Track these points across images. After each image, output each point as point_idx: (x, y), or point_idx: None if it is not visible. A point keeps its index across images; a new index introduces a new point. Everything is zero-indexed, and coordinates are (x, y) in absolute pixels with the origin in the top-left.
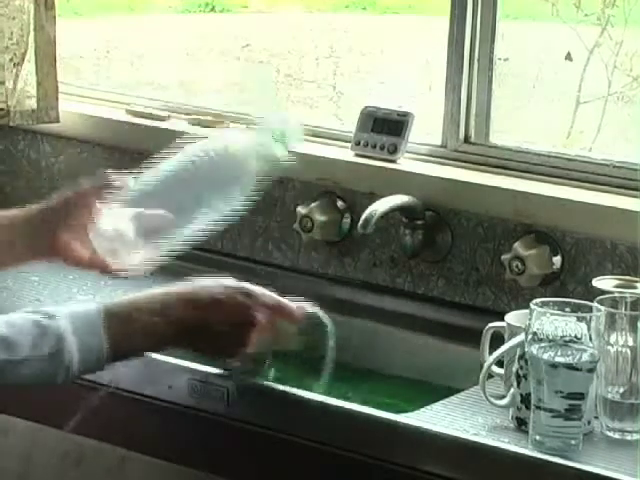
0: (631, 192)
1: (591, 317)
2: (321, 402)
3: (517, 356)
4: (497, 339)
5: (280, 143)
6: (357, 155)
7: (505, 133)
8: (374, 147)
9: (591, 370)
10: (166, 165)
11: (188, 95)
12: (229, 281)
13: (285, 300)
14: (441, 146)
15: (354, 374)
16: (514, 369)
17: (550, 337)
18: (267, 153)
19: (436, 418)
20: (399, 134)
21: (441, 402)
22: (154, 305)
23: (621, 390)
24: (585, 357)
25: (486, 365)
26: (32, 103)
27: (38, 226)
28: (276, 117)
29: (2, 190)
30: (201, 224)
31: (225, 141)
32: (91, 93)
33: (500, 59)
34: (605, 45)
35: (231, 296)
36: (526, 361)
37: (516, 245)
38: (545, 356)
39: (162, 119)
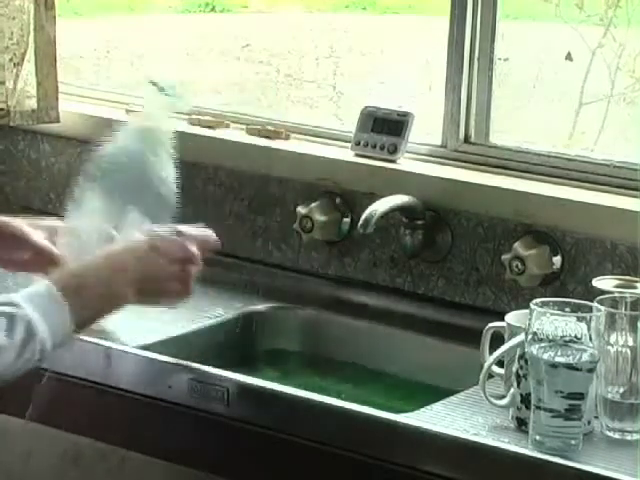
0: (631, 192)
1: (591, 317)
2: (321, 402)
3: (517, 356)
4: (497, 339)
5: (172, 98)
6: (357, 155)
7: (505, 133)
8: (374, 147)
9: (591, 370)
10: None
11: (188, 95)
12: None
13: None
14: (441, 146)
15: (354, 374)
16: (514, 369)
17: (550, 337)
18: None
19: (436, 418)
20: (399, 134)
21: (441, 402)
22: (96, 270)
23: (621, 390)
24: (585, 357)
25: (486, 365)
26: (32, 103)
27: None
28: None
29: (2, 190)
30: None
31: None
32: (91, 93)
33: (500, 59)
34: (608, 46)
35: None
36: (526, 361)
37: (516, 245)
38: (545, 356)
39: None
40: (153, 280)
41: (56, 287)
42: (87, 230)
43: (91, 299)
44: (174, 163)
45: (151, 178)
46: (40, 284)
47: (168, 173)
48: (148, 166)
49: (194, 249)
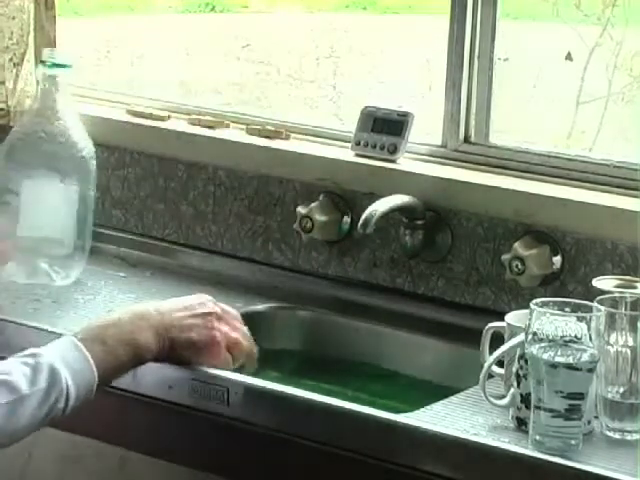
0: (631, 192)
1: (591, 317)
2: (321, 402)
3: (517, 356)
4: (497, 339)
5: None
6: (357, 155)
7: (505, 133)
8: (374, 147)
9: (591, 370)
10: None
11: (188, 95)
12: (188, 299)
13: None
14: (441, 146)
15: (354, 374)
16: (514, 369)
17: (550, 337)
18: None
19: (436, 418)
20: (399, 134)
21: (441, 402)
22: (119, 320)
23: (621, 390)
24: (585, 357)
25: (486, 365)
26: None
27: None
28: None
29: None
30: None
31: None
32: (91, 93)
33: (500, 59)
34: (605, 45)
35: (192, 318)
36: (526, 361)
37: (516, 245)
38: (545, 356)
39: (162, 119)
40: (177, 328)
41: (78, 338)
42: None
43: (114, 348)
44: None
45: None
46: (63, 337)
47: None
48: None
49: (217, 309)
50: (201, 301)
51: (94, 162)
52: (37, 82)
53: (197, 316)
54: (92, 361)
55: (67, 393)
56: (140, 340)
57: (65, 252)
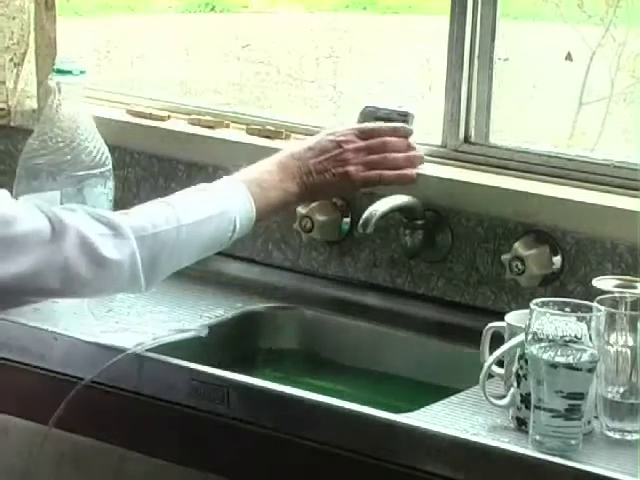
0: (631, 192)
1: (591, 317)
2: (321, 402)
3: (517, 356)
4: (497, 339)
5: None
6: None
7: (505, 133)
8: None
9: (591, 370)
10: None
11: (188, 95)
12: (322, 141)
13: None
14: (441, 146)
15: (354, 374)
16: (514, 369)
17: (550, 337)
18: None
19: (436, 418)
20: None
21: (441, 402)
22: (273, 175)
23: (621, 390)
24: (585, 357)
25: (486, 365)
26: (32, 103)
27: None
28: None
29: None
30: None
31: None
32: (91, 93)
33: (500, 59)
34: (608, 46)
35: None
36: (526, 361)
37: (516, 245)
38: (545, 356)
39: (162, 119)
40: (314, 173)
41: (241, 179)
42: None
43: (268, 192)
44: None
45: None
46: (231, 179)
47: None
48: None
49: (350, 143)
50: (331, 138)
51: (110, 169)
52: (52, 91)
53: (330, 158)
54: (252, 200)
55: (234, 223)
56: (286, 187)
57: None
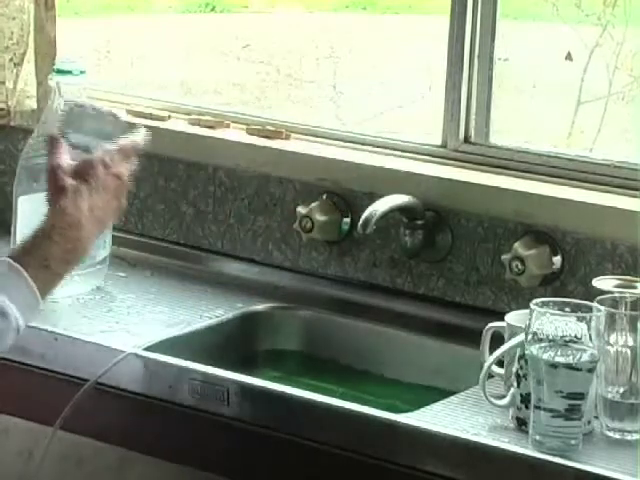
0: (631, 192)
1: (591, 317)
2: (321, 402)
3: (517, 356)
4: (497, 339)
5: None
6: None
7: (505, 133)
8: None
9: (591, 370)
10: None
11: (188, 95)
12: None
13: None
14: (441, 146)
15: (354, 374)
16: (514, 369)
17: (550, 337)
18: None
19: (436, 418)
20: None
21: (441, 402)
22: (60, 246)
23: (621, 390)
24: (585, 357)
25: (486, 365)
26: (32, 103)
27: None
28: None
29: (2, 190)
30: None
31: None
32: (91, 93)
33: (500, 59)
34: (606, 45)
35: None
36: (526, 361)
37: (516, 245)
38: (545, 356)
39: (162, 119)
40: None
41: (19, 264)
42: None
43: (56, 269)
44: None
45: None
46: (7, 269)
47: None
48: None
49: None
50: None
51: None
52: (52, 91)
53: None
54: (38, 292)
55: (17, 328)
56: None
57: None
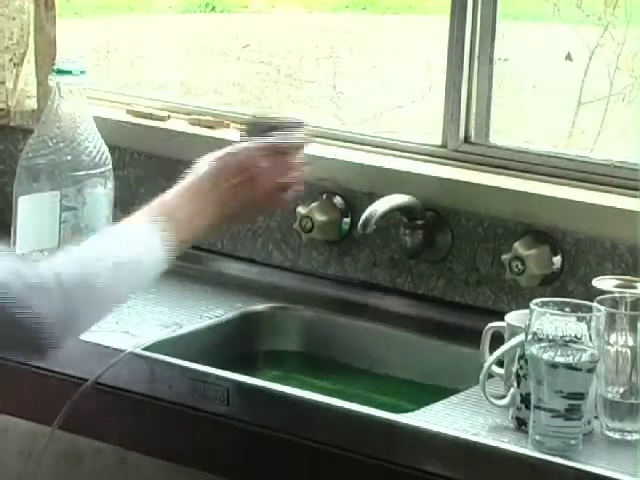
0: (631, 192)
1: (591, 317)
2: (321, 402)
3: (517, 356)
4: (497, 339)
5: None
6: None
7: (505, 133)
8: None
9: (591, 370)
10: None
11: (188, 95)
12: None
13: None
14: (441, 146)
15: (354, 374)
16: (514, 369)
17: (550, 337)
18: None
19: (436, 418)
20: None
21: (441, 402)
22: (186, 211)
23: (621, 390)
24: (585, 357)
25: (486, 365)
26: (32, 103)
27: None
28: None
29: (2, 190)
30: None
31: None
32: (91, 93)
33: (500, 59)
34: (607, 45)
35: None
36: (526, 361)
37: (516, 245)
38: (545, 356)
39: (162, 119)
40: (225, 201)
41: (151, 220)
42: None
43: (181, 229)
44: None
45: None
46: (142, 220)
47: None
48: None
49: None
50: (239, 161)
51: (110, 169)
52: (52, 91)
53: (239, 184)
54: (164, 245)
55: (147, 272)
56: (201, 222)
57: None
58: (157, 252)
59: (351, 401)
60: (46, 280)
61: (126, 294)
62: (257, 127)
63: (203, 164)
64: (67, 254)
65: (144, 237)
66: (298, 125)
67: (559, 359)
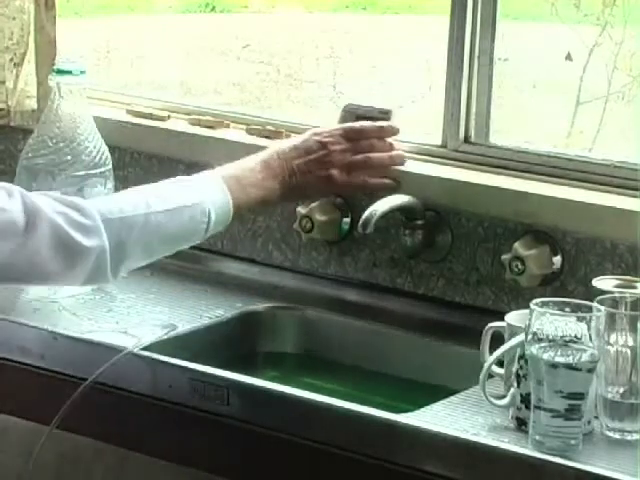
0: (631, 192)
1: (591, 317)
2: (321, 402)
3: (517, 356)
4: (497, 339)
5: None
6: None
7: (505, 133)
8: None
9: (591, 370)
10: None
11: (188, 95)
12: (307, 141)
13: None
14: (441, 146)
15: (354, 374)
16: (514, 369)
17: (550, 337)
18: None
19: (436, 418)
20: None
21: (441, 402)
22: (255, 173)
23: (621, 390)
24: (585, 357)
25: (486, 365)
26: (32, 103)
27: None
28: None
29: None
30: None
31: None
32: (91, 93)
33: (500, 59)
34: (605, 45)
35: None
36: (526, 361)
37: (516, 245)
38: (545, 356)
39: (162, 119)
40: (297, 174)
41: (221, 175)
42: None
43: (247, 189)
44: None
45: None
46: (211, 174)
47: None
48: None
49: (335, 144)
50: (317, 139)
51: (110, 169)
52: (52, 91)
53: (314, 159)
54: (229, 195)
55: (209, 216)
56: (267, 186)
57: None
58: (217, 200)
59: (351, 401)
60: (94, 219)
61: (179, 236)
62: (349, 115)
63: (280, 142)
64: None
65: (207, 186)
66: (386, 114)
67: (559, 359)
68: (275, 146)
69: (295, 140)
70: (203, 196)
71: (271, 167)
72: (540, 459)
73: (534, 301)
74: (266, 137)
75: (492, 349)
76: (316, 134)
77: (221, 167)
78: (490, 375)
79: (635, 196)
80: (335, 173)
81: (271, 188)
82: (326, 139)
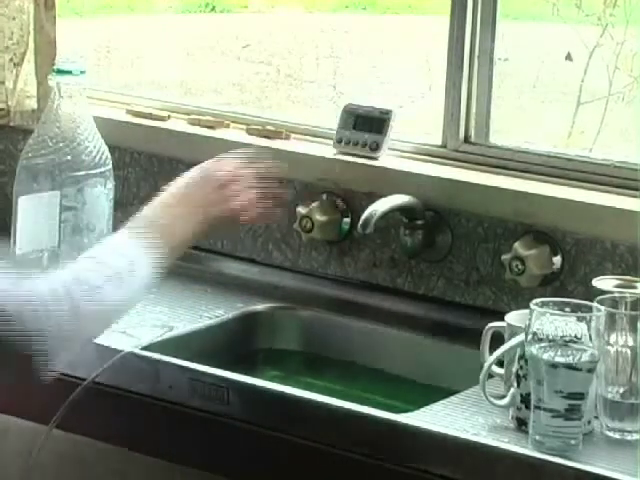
0: (631, 192)
1: (591, 317)
2: (321, 402)
3: (517, 356)
4: (497, 339)
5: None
6: (340, 153)
7: (505, 133)
8: (356, 144)
9: (591, 370)
10: None
11: (188, 95)
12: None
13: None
14: (441, 146)
15: (354, 374)
16: (514, 369)
17: (550, 337)
18: None
19: (436, 418)
20: (381, 132)
21: (441, 402)
22: (161, 227)
23: (621, 390)
24: (585, 357)
25: (486, 365)
26: (32, 103)
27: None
28: None
29: (2, 190)
30: None
31: None
32: (91, 93)
33: (500, 59)
34: (606, 45)
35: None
36: (526, 361)
37: (516, 245)
38: (545, 356)
39: (162, 119)
40: (202, 210)
41: (133, 234)
42: None
43: (158, 243)
44: None
45: None
46: (125, 237)
47: None
48: None
49: (240, 169)
50: (215, 170)
51: (110, 169)
52: (52, 91)
53: (215, 191)
54: (149, 255)
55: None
56: (186, 227)
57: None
58: (143, 263)
59: (351, 401)
60: (44, 297)
61: (120, 307)
62: (349, 115)
63: (189, 171)
64: (61, 272)
65: (128, 251)
66: (386, 114)
67: (559, 359)
68: (186, 184)
69: (197, 177)
70: (135, 268)
71: (191, 212)
72: (540, 459)
73: (534, 301)
74: (266, 137)
75: (492, 349)
76: (208, 171)
77: (146, 220)
78: (490, 375)
79: (635, 196)
80: (235, 205)
81: (195, 232)
82: (224, 177)
